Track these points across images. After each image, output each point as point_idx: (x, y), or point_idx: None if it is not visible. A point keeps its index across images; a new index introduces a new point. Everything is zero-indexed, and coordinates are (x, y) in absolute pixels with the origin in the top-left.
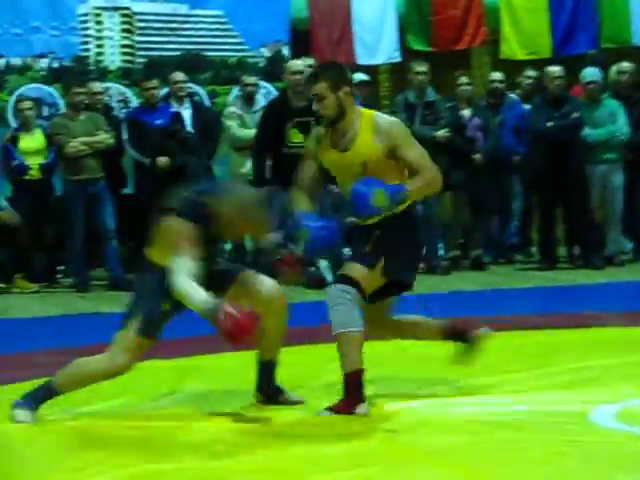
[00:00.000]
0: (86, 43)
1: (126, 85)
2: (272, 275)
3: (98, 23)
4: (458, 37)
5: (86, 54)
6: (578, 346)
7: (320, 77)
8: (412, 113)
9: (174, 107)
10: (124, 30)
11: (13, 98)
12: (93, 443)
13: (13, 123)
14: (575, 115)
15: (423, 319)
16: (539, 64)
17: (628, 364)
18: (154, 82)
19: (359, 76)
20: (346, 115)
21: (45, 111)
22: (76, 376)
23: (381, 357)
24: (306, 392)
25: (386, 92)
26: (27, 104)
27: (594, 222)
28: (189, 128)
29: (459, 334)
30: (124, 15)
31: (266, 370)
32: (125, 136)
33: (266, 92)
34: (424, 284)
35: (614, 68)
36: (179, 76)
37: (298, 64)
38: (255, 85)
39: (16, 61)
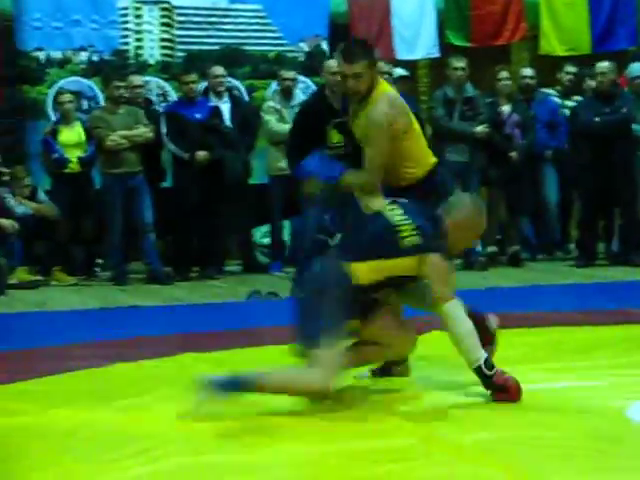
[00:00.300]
0: (126, 37)
1: (165, 79)
2: None
3: (138, 17)
4: (497, 33)
5: (125, 48)
6: (618, 343)
7: (360, 56)
8: (451, 108)
9: (213, 101)
10: (163, 24)
11: (53, 91)
12: (132, 435)
13: (53, 116)
14: (624, 110)
15: None
16: (578, 60)
17: None
18: (193, 76)
19: (398, 71)
20: (374, 90)
21: (85, 104)
22: (285, 386)
23: (421, 353)
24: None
25: (425, 87)
26: (67, 97)
27: (637, 219)
28: (228, 122)
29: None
30: (164, 9)
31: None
32: (164, 130)
33: (305, 87)
34: (461, 280)
35: None
36: (218, 70)
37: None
38: (293, 80)
39: (56, 54)
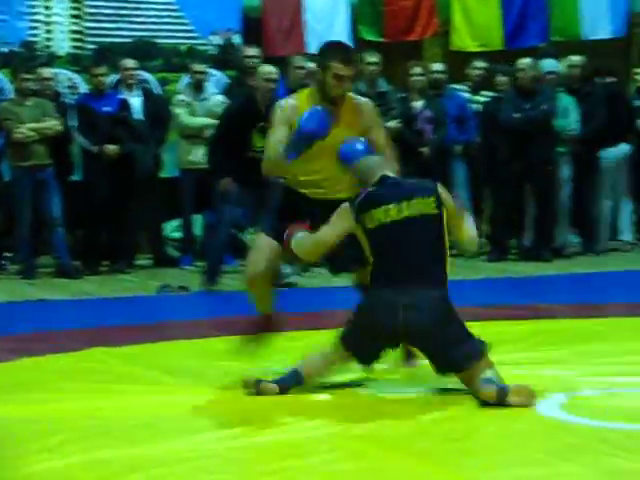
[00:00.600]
0: (35, 28)
1: (75, 71)
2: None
3: (47, 8)
4: (410, 28)
5: (35, 39)
6: (527, 337)
7: (354, 60)
8: None
9: (124, 94)
10: (73, 16)
11: None
12: (37, 430)
13: None
14: (544, 107)
15: None
16: (489, 56)
17: (575, 354)
18: (103, 69)
19: (309, 65)
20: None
21: None
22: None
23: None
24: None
25: None
26: None
27: (553, 214)
28: (139, 115)
29: None
30: (73, 1)
31: None
32: (73, 123)
33: (216, 80)
34: None
35: (565, 61)
36: (129, 63)
37: (272, 71)
38: (204, 73)
39: None
